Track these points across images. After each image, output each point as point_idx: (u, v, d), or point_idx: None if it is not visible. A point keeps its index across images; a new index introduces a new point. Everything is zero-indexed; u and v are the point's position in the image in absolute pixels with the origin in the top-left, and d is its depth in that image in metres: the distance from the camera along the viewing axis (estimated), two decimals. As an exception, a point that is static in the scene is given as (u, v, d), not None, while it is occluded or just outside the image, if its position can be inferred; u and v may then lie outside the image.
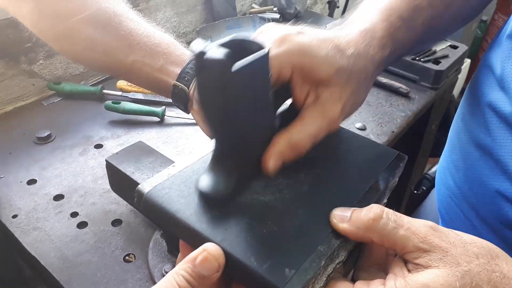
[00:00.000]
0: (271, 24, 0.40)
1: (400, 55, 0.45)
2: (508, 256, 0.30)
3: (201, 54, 0.30)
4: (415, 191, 1.46)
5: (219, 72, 0.30)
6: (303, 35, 0.37)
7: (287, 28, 0.38)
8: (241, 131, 0.34)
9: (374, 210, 0.31)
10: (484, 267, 0.29)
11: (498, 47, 0.51)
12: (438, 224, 0.62)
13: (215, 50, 0.30)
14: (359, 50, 0.38)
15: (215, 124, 0.35)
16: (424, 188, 1.57)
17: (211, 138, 0.37)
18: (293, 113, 0.39)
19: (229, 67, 0.30)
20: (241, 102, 0.32)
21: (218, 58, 0.30)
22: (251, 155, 0.36)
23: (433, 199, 0.71)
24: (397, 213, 0.31)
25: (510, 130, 0.47)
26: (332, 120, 0.37)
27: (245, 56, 0.31)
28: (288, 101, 0.41)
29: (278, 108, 0.40)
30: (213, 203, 0.34)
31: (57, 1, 0.62)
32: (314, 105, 0.37)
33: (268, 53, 0.32)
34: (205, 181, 0.35)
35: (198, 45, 0.31)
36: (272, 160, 0.35)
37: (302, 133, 0.36)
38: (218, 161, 0.36)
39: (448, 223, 0.60)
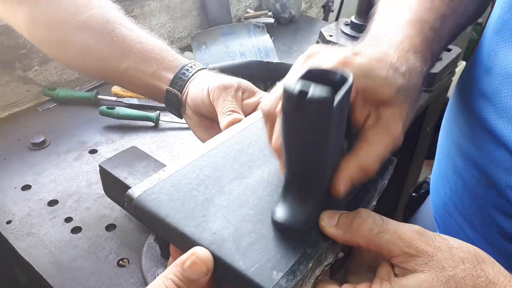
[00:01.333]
0: (318, 46, 0.40)
1: (434, 64, 0.46)
2: (495, 261, 0.31)
3: (303, 94, 0.30)
4: (414, 194, 1.47)
5: (326, 110, 0.30)
6: (360, 56, 0.37)
7: (342, 50, 0.38)
8: (325, 161, 0.34)
9: (361, 214, 0.32)
10: (469, 272, 0.29)
11: (479, 58, 0.52)
12: (436, 230, 0.63)
13: (317, 89, 0.30)
14: (410, 67, 0.38)
15: (301, 159, 0.34)
16: (423, 191, 1.58)
17: (285, 171, 0.36)
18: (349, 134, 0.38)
19: (332, 104, 0.29)
20: (333, 134, 0.32)
21: (325, 97, 0.29)
22: (324, 182, 0.35)
23: (430, 204, 0.72)
24: (383, 217, 0.32)
25: (493, 139, 0.47)
26: (396, 138, 0.37)
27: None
28: None
29: None
30: (294, 235, 0.33)
31: (52, 9, 0.62)
32: (377, 126, 0.36)
33: (352, 82, 0.32)
34: (284, 213, 0.34)
35: (292, 83, 0.30)
36: (343, 185, 0.35)
37: (371, 155, 0.35)
38: (295, 191, 0.36)
39: (443, 232, 0.60)
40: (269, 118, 0.38)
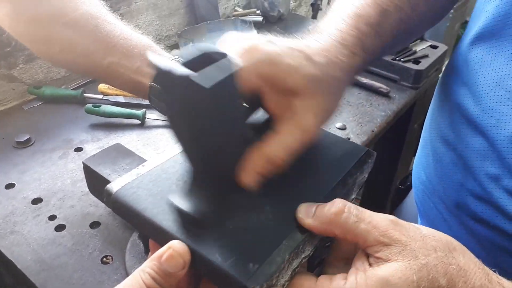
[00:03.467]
0: (233, 33, 0.39)
1: (372, 60, 0.45)
2: (466, 249, 0.31)
3: (168, 72, 0.29)
4: (400, 186, 1.48)
5: (191, 89, 0.29)
6: (272, 44, 0.36)
7: (255, 38, 0.38)
8: (213, 146, 0.33)
9: (336, 204, 0.32)
10: (441, 260, 0.29)
11: (462, 49, 0.52)
12: (417, 217, 0.64)
13: (182, 67, 0.29)
14: (329, 59, 0.38)
15: (186, 142, 0.34)
16: (409, 183, 1.60)
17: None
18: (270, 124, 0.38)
19: (200, 84, 0.29)
20: (212, 117, 0.31)
21: (188, 75, 0.29)
22: (227, 170, 0.35)
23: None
24: (359, 207, 0.32)
25: (471, 127, 0.48)
26: (307, 130, 0.36)
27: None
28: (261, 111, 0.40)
29: (249, 117, 0.40)
30: (193, 222, 0.33)
31: (34, 4, 0.62)
32: (287, 116, 0.36)
33: (237, 66, 0.32)
34: (183, 200, 0.34)
35: (160, 60, 0.30)
36: (247, 175, 0.34)
37: (278, 146, 0.35)
38: (195, 179, 0.36)
39: (423, 216, 0.61)
40: None
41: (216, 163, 0.35)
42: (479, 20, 0.48)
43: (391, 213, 1.36)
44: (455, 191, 0.51)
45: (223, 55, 0.32)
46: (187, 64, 0.31)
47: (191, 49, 0.32)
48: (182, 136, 0.34)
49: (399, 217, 0.32)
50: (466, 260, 0.30)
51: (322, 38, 0.40)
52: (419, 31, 0.56)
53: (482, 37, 0.47)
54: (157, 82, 0.31)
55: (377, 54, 0.45)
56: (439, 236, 0.31)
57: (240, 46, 0.36)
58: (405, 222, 0.31)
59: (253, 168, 0.35)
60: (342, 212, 0.31)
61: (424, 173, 0.59)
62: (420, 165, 0.61)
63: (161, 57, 0.31)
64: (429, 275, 0.28)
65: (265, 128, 0.37)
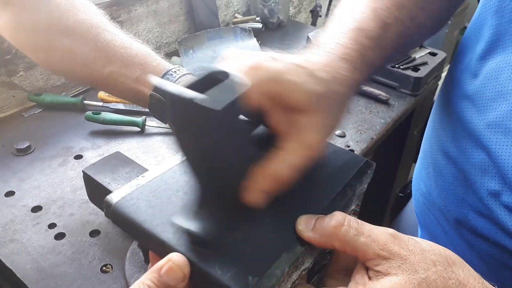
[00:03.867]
0: (235, 49, 0.39)
1: (373, 73, 0.45)
2: (465, 263, 0.31)
3: (178, 96, 0.29)
4: (400, 194, 1.49)
5: (202, 113, 0.29)
6: (275, 61, 0.36)
7: (258, 55, 0.37)
8: (217, 164, 0.33)
9: (336, 217, 0.32)
10: (440, 275, 0.29)
11: (465, 58, 0.52)
12: (417, 227, 0.64)
13: (191, 92, 0.29)
14: (331, 74, 0.38)
15: (192, 160, 0.34)
16: (409, 191, 1.60)
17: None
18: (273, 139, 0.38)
19: (210, 108, 0.29)
20: (220, 138, 0.32)
21: (195, 99, 0.29)
22: (231, 187, 0.35)
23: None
24: (358, 220, 0.32)
25: (473, 141, 0.48)
26: (311, 147, 0.36)
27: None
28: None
29: (252, 132, 0.40)
30: (200, 242, 0.33)
31: (36, 14, 0.62)
32: (291, 134, 0.36)
33: (247, 86, 0.32)
34: (188, 220, 0.34)
35: (168, 85, 0.30)
36: (252, 193, 0.34)
37: (283, 165, 0.35)
38: (200, 196, 0.36)
39: (424, 227, 0.61)
40: None
41: (220, 179, 0.35)
42: (485, 33, 0.48)
43: (391, 221, 1.36)
44: (455, 205, 0.51)
45: (226, 75, 0.32)
46: (192, 86, 0.31)
47: (201, 74, 0.32)
48: (188, 154, 0.34)
49: (399, 226, 0.32)
50: (466, 275, 0.30)
51: (323, 53, 0.40)
52: (418, 41, 0.56)
53: (493, 51, 0.47)
54: (167, 104, 0.31)
55: (378, 67, 0.45)
56: (438, 250, 0.31)
57: (243, 64, 0.36)
58: (405, 236, 0.31)
59: (259, 186, 0.34)
60: (342, 225, 0.31)
61: (424, 185, 0.59)
62: (420, 177, 0.61)
63: (166, 81, 0.31)
64: None
65: (268, 144, 0.37)
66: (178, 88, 0.30)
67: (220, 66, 0.34)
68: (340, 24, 0.43)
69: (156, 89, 0.30)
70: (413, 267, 0.29)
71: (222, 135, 0.31)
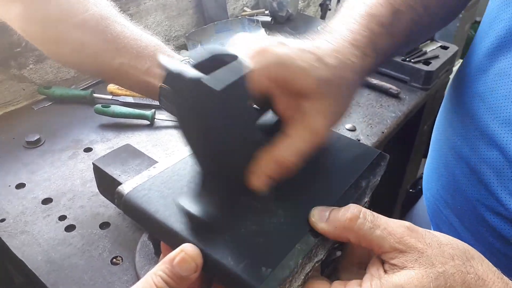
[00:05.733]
0: (245, 34, 0.39)
1: (384, 61, 0.44)
2: (484, 258, 0.30)
3: (178, 74, 0.29)
4: (411, 190, 1.47)
5: (202, 92, 0.29)
6: (283, 46, 0.36)
7: (266, 40, 0.37)
8: (222, 148, 0.33)
9: (351, 210, 0.32)
10: (459, 269, 0.29)
11: (474, 57, 0.51)
12: (430, 225, 0.63)
13: (193, 70, 0.29)
14: (340, 60, 0.37)
15: (195, 145, 0.34)
16: (420, 187, 1.58)
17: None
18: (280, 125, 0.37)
19: (211, 86, 0.28)
20: (222, 120, 0.31)
21: (199, 78, 0.28)
22: (236, 172, 0.35)
23: (424, 200, 0.72)
24: (374, 213, 0.32)
25: (486, 140, 0.47)
26: (317, 133, 0.36)
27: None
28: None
29: (259, 119, 0.40)
30: (204, 226, 0.33)
31: (46, 5, 0.62)
32: (297, 119, 0.36)
33: (248, 68, 0.31)
34: (193, 204, 0.34)
35: (171, 63, 0.29)
36: (257, 178, 0.34)
37: (288, 149, 0.35)
38: (204, 181, 0.36)
39: (436, 228, 0.60)
40: None
41: (226, 165, 0.34)
42: (496, 28, 0.47)
43: (401, 218, 1.35)
44: (470, 206, 0.50)
45: (233, 57, 0.32)
46: (197, 66, 0.31)
47: (201, 51, 0.32)
48: (191, 138, 0.34)
49: (410, 222, 0.32)
50: (485, 269, 0.29)
51: (333, 39, 0.39)
52: (430, 31, 0.55)
53: (505, 46, 0.46)
54: (167, 84, 0.31)
55: (388, 55, 0.44)
56: (456, 243, 0.30)
57: (251, 48, 0.36)
58: (421, 229, 0.31)
59: (264, 171, 0.34)
60: (357, 218, 0.31)
61: (435, 185, 0.58)
62: (431, 177, 0.60)
63: (172, 59, 0.30)
64: (447, 283, 0.28)
65: (275, 130, 0.37)
66: (181, 67, 0.29)
67: (229, 49, 0.34)
68: (351, 10, 0.43)
69: (161, 66, 0.30)
70: (430, 261, 0.29)
71: (223, 117, 0.31)
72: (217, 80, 0.29)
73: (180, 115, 0.33)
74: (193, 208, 0.33)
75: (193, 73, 0.29)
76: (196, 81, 0.29)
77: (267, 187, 0.35)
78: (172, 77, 0.30)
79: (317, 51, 0.37)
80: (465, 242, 0.31)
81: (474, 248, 0.31)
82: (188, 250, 0.30)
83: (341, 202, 0.35)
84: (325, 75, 0.35)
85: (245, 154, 0.35)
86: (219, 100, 0.29)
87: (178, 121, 0.33)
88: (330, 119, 0.37)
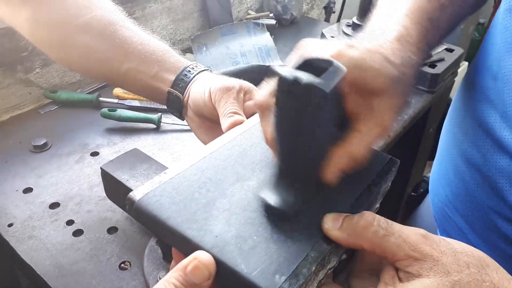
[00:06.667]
0: (311, 39, 0.40)
1: (430, 54, 0.46)
2: (499, 265, 0.30)
3: (296, 80, 0.31)
4: (413, 193, 1.47)
5: (317, 96, 0.31)
6: (354, 49, 0.37)
7: (336, 43, 0.38)
8: (315, 148, 0.35)
9: (365, 217, 0.31)
10: (474, 277, 0.28)
11: (485, 62, 0.51)
12: (436, 229, 0.62)
13: (310, 76, 0.31)
14: (402, 58, 0.39)
15: (292, 146, 0.35)
16: (422, 190, 1.58)
17: (277, 159, 0.38)
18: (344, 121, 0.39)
19: (323, 89, 0.30)
20: (323, 122, 0.33)
21: (316, 83, 0.30)
22: (313, 169, 0.36)
23: (429, 203, 0.72)
24: (388, 220, 0.31)
25: (497, 147, 0.47)
26: (386, 127, 0.38)
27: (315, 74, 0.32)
28: None
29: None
30: (283, 217, 0.34)
31: (54, 10, 0.62)
32: (369, 116, 0.37)
33: (345, 73, 0.33)
34: (274, 197, 0.35)
35: (283, 70, 0.32)
36: (333, 172, 0.36)
37: (362, 145, 0.36)
38: (285, 177, 0.37)
39: (443, 232, 0.60)
40: (264, 110, 0.38)
41: (305, 160, 0.36)
42: (502, 33, 0.47)
43: (404, 221, 1.34)
44: (481, 213, 0.49)
45: (328, 62, 0.34)
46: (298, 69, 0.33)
47: (295, 57, 0.35)
48: (285, 138, 0.35)
49: (413, 226, 0.32)
50: (500, 277, 0.29)
51: (392, 37, 0.41)
52: (463, 21, 0.56)
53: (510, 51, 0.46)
54: (280, 89, 0.33)
55: (434, 47, 0.45)
56: (471, 251, 0.30)
57: (326, 52, 0.37)
58: (436, 236, 0.31)
59: (338, 165, 0.36)
60: (371, 225, 0.31)
61: (444, 191, 0.57)
62: (439, 182, 0.60)
63: (282, 67, 0.33)
64: None
65: (342, 126, 0.38)
66: (294, 73, 0.31)
67: (318, 54, 0.36)
68: (398, 6, 0.44)
69: (273, 73, 0.33)
70: (446, 269, 0.28)
71: (326, 116, 0.33)
72: (325, 83, 0.31)
73: (282, 117, 0.34)
74: (272, 199, 0.35)
75: (307, 78, 0.31)
76: (311, 85, 0.31)
77: (338, 180, 0.36)
78: (287, 83, 0.31)
79: (383, 50, 0.38)
80: (474, 247, 0.31)
81: (483, 252, 0.31)
82: (201, 258, 0.30)
83: (354, 209, 0.35)
84: (395, 74, 0.37)
85: (323, 149, 0.36)
86: (328, 101, 0.32)
87: (276, 123, 0.35)
88: (396, 112, 0.39)
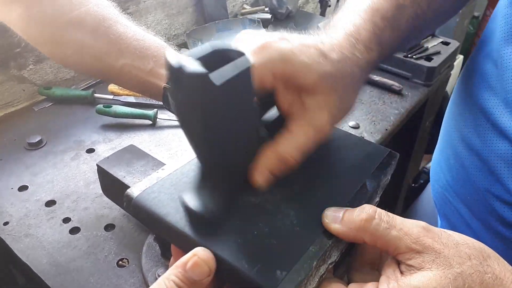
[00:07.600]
0: (249, 31, 0.39)
1: (387, 56, 0.44)
2: (500, 256, 0.30)
3: (179, 68, 0.29)
4: (413, 184, 1.47)
5: (202, 87, 0.29)
6: (285, 41, 0.36)
7: (269, 35, 0.37)
8: (225, 145, 0.33)
9: (366, 210, 0.31)
10: (476, 269, 0.28)
11: (486, 48, 0.51)
12: (437, 218, 0.63)
13: (194, 64, 0.29)
14: (344, 55, 0.37)
15: (197, 141, 0.34)
16: (422, 182, 1.59)
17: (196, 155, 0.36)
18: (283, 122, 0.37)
19: (211, 81, 0.28)
20: (224, 116, 0.31)
21: (199, 72, 0.28)
22: (238, 168, 0.35)
23: (430, 192, 0.72)
24: (389, 213, 0.31)
25: (497, 132, 0.47)
26: (320, 129, 0.36)
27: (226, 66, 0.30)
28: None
29: (263, 116, 0.39)
30: (203, 222, 0.33)
31: (47, 6, 0.61)
32: (300, 115, 0.35)
33: (251, 63, 0.31)
34: (194, 199, 0.33)
35: (173, 57, 0.29)
36: (259, 174, 0.34)
37: (290, 145, 0.35)
38: (205, 178, 0.35)
39: (444, 218, 0.60)
40: None
41: (228, 162, 0.34)
42: (501, 22, 0.47)
43: (403, 212, 1.35)
44: (481, 197, 0.50)
45: (239, 54, 0.32)
46: (199, 61, 0.30)
47: (203, 46, 0.32)
48: (191, 134, 0.34)
49: (414, 217, 0.31)
50: (501, 268, 0.29)
51: (337, 34, 0.39)
52: (433, 27, 0.54)
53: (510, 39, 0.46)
54: (169, 79, 0.31)
55: (392, 50, 0.44)
56: (472, 243, 0.30)
57: (253, 43, 0.35)
58: (437, 229, 0.30)
59: (266, 167, 0.34)
60: (373, 218, 0.30)
61: (445, 176, 0.58)
62: (439, 168, 0.60)
63: (177, 54, 0.30)
64: (465, 284, 0.27)
65: (278, 126, 0.37)
66: (183, 61, 0.29)
67: (232, 45, 0.33)
68: (354, 5, 0.43)
69: (165, 61, 0.30)
70: (448, 261, 0.28)
71: (223, 112, 0.31)
72: (219, 75, 0.29)
73: (180, 110, 0.33)
74: (192, 203, 0.33)
75: (194, 67, 0.29)
76: (198, 76, 0.28)
77: (268, 183, 0.35)
78: (174, 72, 0.29)
79: (320, 46, 0.36)
80: (474, 230, 0.31)
81: (485, 238, 0.31)
82: (201, 254, 0.30)
83: (353, 202, 0.35)
84: (329, 71, 0.35)
85: (248, 150, 0.35)
86: (220, 95, 0.29)
87: (178, 117, 0.33)
88: (334, 115, 0.36)
